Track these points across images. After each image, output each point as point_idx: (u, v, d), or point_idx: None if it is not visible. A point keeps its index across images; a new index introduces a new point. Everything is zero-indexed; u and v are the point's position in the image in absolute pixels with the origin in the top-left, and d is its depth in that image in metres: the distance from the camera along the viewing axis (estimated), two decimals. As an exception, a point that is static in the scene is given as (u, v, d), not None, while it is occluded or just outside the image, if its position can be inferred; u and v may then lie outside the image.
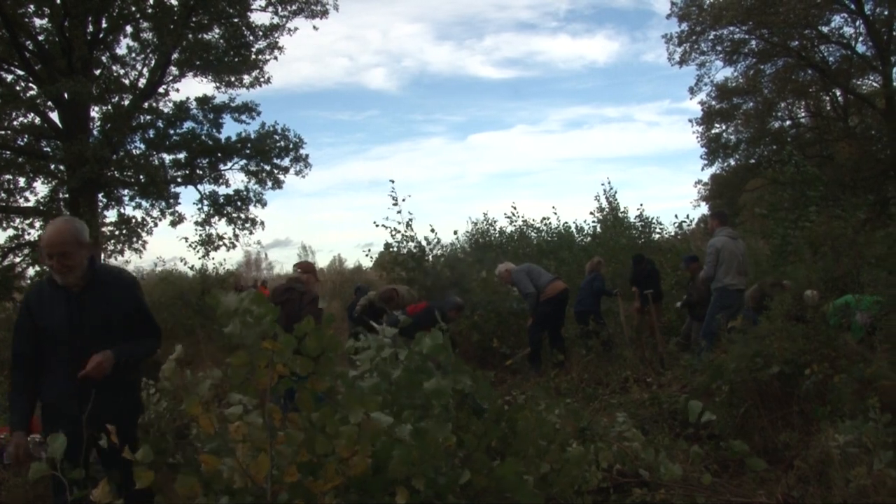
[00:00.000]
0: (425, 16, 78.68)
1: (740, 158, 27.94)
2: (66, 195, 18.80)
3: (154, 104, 20.25)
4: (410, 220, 12.49)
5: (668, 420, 5.89)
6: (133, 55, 20.09)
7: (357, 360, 2.79)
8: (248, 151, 20.65)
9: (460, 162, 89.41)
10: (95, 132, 18.73)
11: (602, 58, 75.28)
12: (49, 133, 18.64)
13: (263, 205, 21.28)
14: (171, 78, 20.34)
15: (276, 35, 20.66)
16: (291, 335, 2.18)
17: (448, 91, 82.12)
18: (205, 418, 2.21)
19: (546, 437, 2.80)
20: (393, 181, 12.22)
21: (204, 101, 20.41)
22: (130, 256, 20.60)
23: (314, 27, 21.64)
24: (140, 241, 20.31)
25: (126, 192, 20.17)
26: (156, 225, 20.40)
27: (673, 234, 16.97)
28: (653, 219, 17.02)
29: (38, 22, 18.18)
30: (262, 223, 21.40)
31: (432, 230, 13.58)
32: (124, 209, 20.31)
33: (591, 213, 17.46)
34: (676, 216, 25.02)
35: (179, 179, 20.60)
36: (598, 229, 16.97)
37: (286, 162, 21.25)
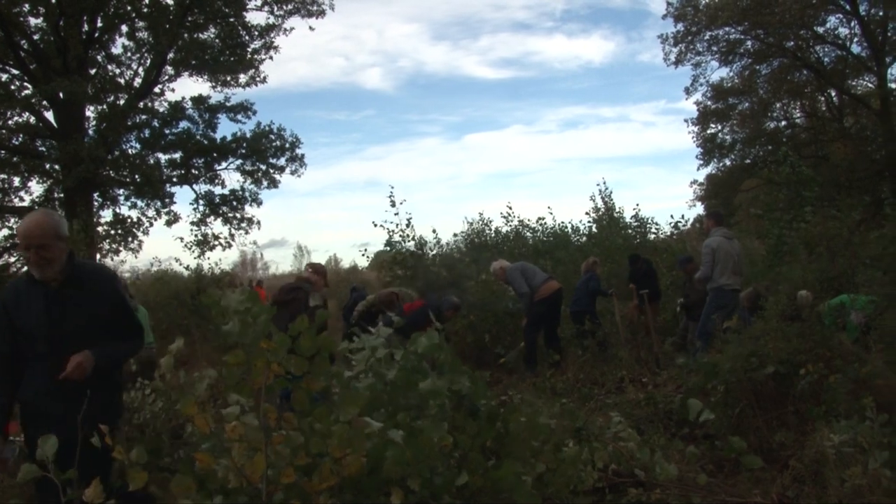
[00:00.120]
0: (421, 16, 78.75)
1: (736, 159, 27.98)
2: (62, 195, 18.77)
3: (149, 104, 20.28)
4: (410, 218, 12.59)
5: (663, 420, 5.89)
6: (128, 55, 20.12)
7: (353, 361, 2.78)
8: (243, 151, 20.64)
9: (456, 162, 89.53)
10: (91, 132, 18.73)
11: (598, 58, 75.39)
12: (44, 132, 18.61)
13: (259, 204, 21.28)
14: (166, 77, 20.38)
15: (271, 35, 20.66)
16: (286, 335, 2.17)
17: (444, 91, 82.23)
18: (200, 418, 2.20)
19: (540, 437, 2.80)
20: (392, 187, 12.42)
21: (199, 100, 20.40)
22: (126, 256, 20.58)
23: (310, 27, 21.61)
24: (136, 241, 20.29)
25: (121, 191, 20.17)
26: (151, 225, 20.42)
27: (669, 234, 16.98)
28: (648, 219, 17.05)
29: (33, 21, 18.20)
30: (258, 222, 21.45)
31: (434, 231, 13.68)
32: (120, 209, 20.31)
33: (587, 214, 17.47)
34: (673, 216, 25.00)
35: (175, 179, 20.58)
36: (594, 229, 16.98)
37: (282, 161, 21.26)
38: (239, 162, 21.02)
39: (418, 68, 79.37)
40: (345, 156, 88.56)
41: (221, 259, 22.95)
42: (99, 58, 19.80)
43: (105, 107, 19.28)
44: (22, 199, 19.19)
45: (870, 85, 25.82)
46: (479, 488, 2.44)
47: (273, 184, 21.34)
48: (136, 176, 19.40)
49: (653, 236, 16.88)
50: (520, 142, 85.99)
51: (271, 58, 21.16)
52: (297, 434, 2.17)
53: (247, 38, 20.54)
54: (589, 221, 17.38)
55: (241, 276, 29.84)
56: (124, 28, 19.55)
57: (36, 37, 18.32)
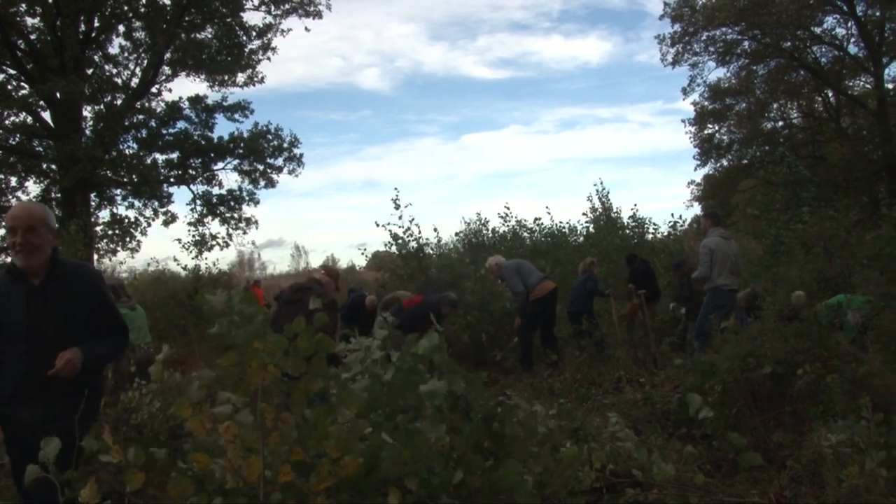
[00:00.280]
0: (419, 16, 78.54)
1: (733, 159, 28.02)
2: (59, 195, 18.75)
3: (146, 104, 20.25)
4: (413, 219, 12.65)
5: (660, 420, 5.90)
6: (125, 54, 20.11)
7: (349, 362, 2.78)
8: (240, 151, 20.63)
9: (453, 162, 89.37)
10: (88, 132, 18.72)
11: (595, 58, 75.27)
12: (41, 132, 18.59)
13: (256, 203, 21.28)
14: (163, 77, 20.37)
15: (269, 35, 20.65)
16: (282, 336, 2.17)
17: (441, 91, 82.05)
18: (195, 420, 2.20)
19: (538, 438, 2.80)
20: (398, 189, 12.47)
21: (196, 100, 20.39)
22: (124, 256, 20.57)
23: (306, 28, 21.63)
24: (134, 241, 20.27)
25: (119, 191, 20.14)
26: (149, 225, 20.40)
27: (666, 234, 17.01)
28: (646, 219, 17.07)
29: (29, 21, 18.18)
30: (256, 222, 21.44)
31: (435, 230, 13.73)
32: (117, 209, 20.29)
33: (584, 214, 17.47)
34: (672, 215, 25.01)
35: (172, 179, 20.57)
36: (591, 229, 16.99)
37: (279, 161, 21.25)
38: (236, 162, 21.03)
39: (416, 68, 79.25)
40: (342, 156, 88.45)
41: (219, 259, 23.04)
42: (96, 58, 19.79)
43: (102, 107, 19.28)
44: (19, 199, 19.15)
45: (867, 85, 25.90)
46: (477, 488, 2.44)
47: (270, 184, 21.36)
48: (134, 176, 19.39)
49: (650, 236, 16.92)
50: (517, 142, 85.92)
51: (269, 59, 21.18)
52: (292, 429, 2.17)
53: (244, 38, 20.55)
54: (586, 222, 17.41)
55: (239, 276, 29.82)
56: (121, 28, 19.56)
57: (33, 37, 18.29)
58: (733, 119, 27.86)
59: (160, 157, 20.59)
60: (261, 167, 21.19)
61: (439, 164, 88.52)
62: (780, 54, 25.31)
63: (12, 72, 18.11)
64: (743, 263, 10.06)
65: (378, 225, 12.73)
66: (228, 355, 2.19)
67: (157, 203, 20.33)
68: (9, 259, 3.17)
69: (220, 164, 21.03)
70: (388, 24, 78.43)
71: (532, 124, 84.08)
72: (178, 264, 19.24)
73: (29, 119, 18.78)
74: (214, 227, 21.13)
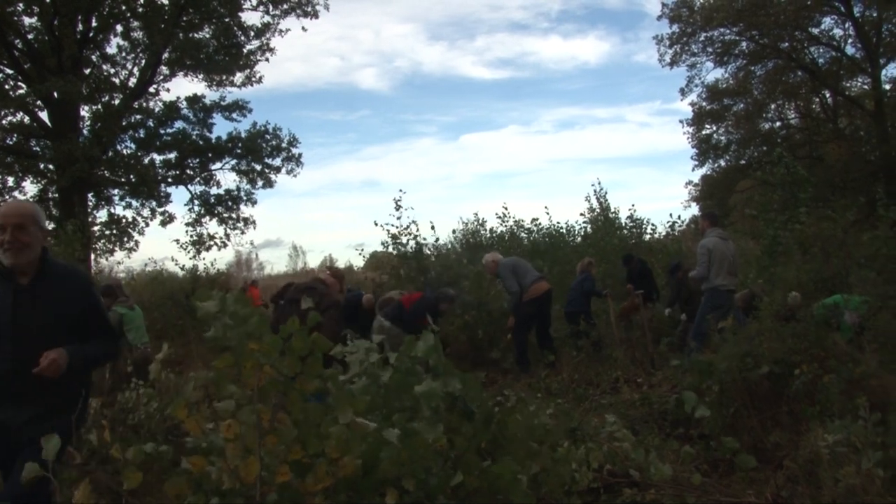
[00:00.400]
0: (417, 16, 78.72)
1: (731, 159, 28.05)
2: (56, 195, 18.73)
3: (144, 104, 20.22)
4: (412, 220, 12.66)
5: (658, 420, 5.91)
6: (123, 54, 20.08)
7: (350, 362, 2.78)
8: (239, 151, 20.62)
9: (452, 162, 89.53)
10: (85, 131, 18.70)
11: (593, 59, 75.55)
12: (38, 132, 18.57)
13: (253, 203, 21.27)
14: (161, 77, 20.33)
15: (267, 35, 20.64)
16: (277, 336, 2.17)
17: (440, 91, 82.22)
18: (191, 421, 2.20)
19: (535, 437, 2.80)
20: (402, 191, 12.49)
21: (194, 100, 20.37)
22: (121, 256, 20.56)
23: (303, 28, 21.65)
24: (132, 241, 20.26)
25: (116, 191, 20.12)
26: (147, 225, 20.38)
27: (664, 234, 17.03)
28: (644, 220, 17.09)
29: (27, 20, 18.15)
30: (254, 222, 21.43)
31: (432, 228, 13.72)
32: (114, 209, 20.27)
33: (582, 214, 17.48)
34: (670, 215, 25.08)
35: (170, 179, 20.55)
36: (589, 230, 16.99)
37: (277, 161, 21.24)
38: (234, 162, 21.02)
39: (414, 68, 79.45)
40: (340, 156, 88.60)
41: (217, 259, 23.02)
42: (94, 57, 19.77)
43: (100, 106, 19.25)
44: (16, 199, 19.11)
45: (864, 86, 25.93)
46: (475, 489, 2.45)
47: (268, 184, 21.35)
48: (131, 176, 19.37)
49: (648, 237, 16.93)
50: (515, 142, 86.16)
51: (267, 60, 21.18)
52: (290, 429, 2.16)
53: (242, 38, 20.54)
54: (584, 222, 17.42)
55: (237, 276, 29.82)
56: (119, 28, 19.54)
57: (30, 36, 18.27)
58: (731, 119, 27.89)
59: (158, 158, 20.59)
60: (259, 167, 21.18)
61: (437, 164, 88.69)
62: (778, 55, 25.33)
63: (9, 71, 18.09)
64: (741, 264, 10.07)
65: (377, 224, 12.74)
66: (224, 357, 2.19)
67: (154, 203, 20.32)
68: None
69: (218, 164, 21.03)
70: (387, 24, 78.57)
71: (530, 124, 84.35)
72: (176, 264, 19.25)
73: (26, 119, 18.76)
74: (212, 227, 21.15)
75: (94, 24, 18.85)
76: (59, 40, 17.31)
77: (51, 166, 18.59)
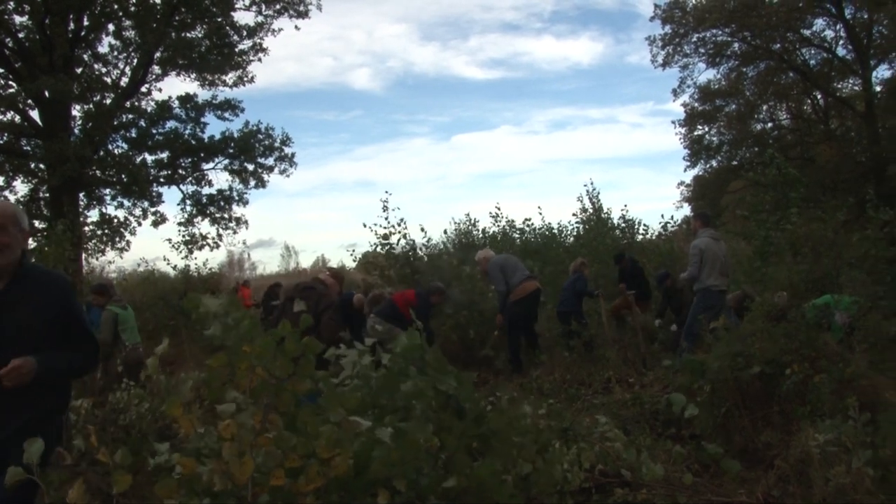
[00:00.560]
0: (410, 16, 78.58)
1: (722, 160, 28.18)
2: (47, 194, 18.64)
3: (136, 103, 20.14)
4: (403, 219, 12.60)
5: (649, 420, 5.92)
6: (115, 53, 20.00)
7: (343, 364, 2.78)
8: (231, 150, 20.55)
9: (445, 162, 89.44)
10: (77, 131, 18.59)
11: (586, 59, 75.52)
12: (29, 131, 18.47)
13: (245, 203, 21.21)
14: (153, 77, 20.25)
15: (259, 35, 20.59)
16: (270, 338, 2.17)
17: (432, 91, 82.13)
18: (185, 419, 2.19)
19: (525, 437, 2.80)
20: (389, 192, 12.37)
21: (186, 99, 20.29)
22: (113, 256, 20.48)
23: (296, 27, 21.59)
24: (123, 241, 20.17)
25: (108, 191, 20.03)
26: (139, 224, 20.30)
27: (657, 234, 17.05)
28: (636, 220, 17.11)
29: (18, 19, 18.05)
30: (246, 222, 21.37)
31: (422, 229, 13.64)
32: (106, 209, 20.18)
33: (575, 215, 17.47)
34: (662, 216, 25.16)
35: (162, 179, 20.47)
36: (582, 230, 17.00)
37: (270, 161, 21.18)
38: (227, 161, 20.96)
39: (407, 69, 79.27)
40: (333, 156, 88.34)
41: (209, 259, 22.94)
42: (85, 56, 19.68)
43: (91, 106, 19.17)
44: (7, 199, 19.01)
45: (855, 87, 26.07)
46: (464, 489, 2.45)
47: (261, 183, 21.28)
48: (123, 176, 19.29)
49: (640, 237, 16.95)
50: (508, 142, 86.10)
51: (260, 59, 21.12)
52: (289, 435, 2.16)
53: (235, 37, 20.48)
54: (577, 222, 17.42)
55: (229, 276, 29.73)
56: (111, 27, 19.43)
57: (21, 35, 18.17)
58: (723, 120, 28.01)
59: (149, 157, 20.51)
60: (251, 167, 21.13)
61: (430, 165, 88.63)
62: (770, 56, 25.46)
63: (0, 70, 18.00)
64: (732, 264, 10.10)
65: (365, 226, 12.64)
66: (218, 356, 2.19)
67: (146, 203, 20.25)
68: None
69: (211, 164, 20.97)
70: (380, 24, 78.47)
71: (523, 125, 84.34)
72: (169, 264, 19.18)
73: (17, 118, 18.65)
74: (204, 227, 21.07)
75: (85, 22, 18.76)
76: (50, 39, 17.23)
77: (42, 166, 18.49)
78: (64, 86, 16.56)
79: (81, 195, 19.29)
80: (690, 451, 4.77)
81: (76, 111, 19.26)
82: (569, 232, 17.43)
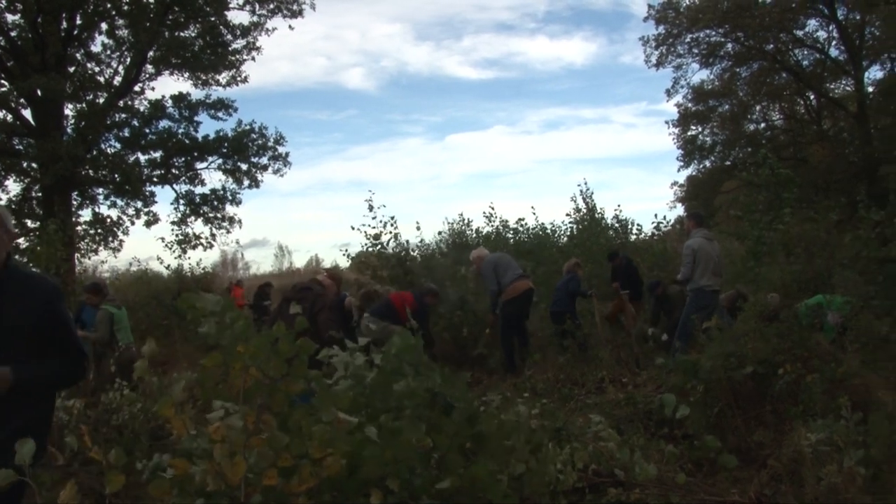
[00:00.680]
0: (404, 16, 78.63)
1: (716, 160, 28.24)
2: (39, 193, 18.57)
3: (129, 102, 20.06)
4: (394, 217, 12.48)
5: (643, 420, 5.93)
6: (108, 52, 19.92)
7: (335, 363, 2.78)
8: (225, 150, 20.51)
9: (438, 162, 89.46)
10: (69, 130, 18.52)
11: (580, 59, 75.66)
12: (21, 130, 18.39)
13: (238, 203, 21.17)
14: (146, 76, 20.18)
15: (253, 34, 20.55)
16: (264, 338, 2.16)
17: (426, 91, 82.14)
18: (178, 420, 2.19)
19: (517, 436, 2.81)
20: (372, 192, 12.21)
21: (180, 98, 20.23)
22: (106, 256, 20.41)
23: (290, 27, 21.55)
24: (116, 241, 20.10)
25: (101, 190, 19.96)
26: (132, 224, 20.23)
27: (650, 234, 17.08)
28: (629, 220, 17.14)
29: (10, 17, 17.94)
30: (240, 221, 21.32)
31: (417, 228, 13.59)
32: (99, 208, 20.11)
33: (568, 215, 17.48)
34: (655, 216, 25.20)
35: (155, 179, 20.41)
36: (575, 230, 17.01)
37: (264, 160, 21.14)
38: (220, 161, 20.91)
39: (401, 68, 79.27)
40: (327, 156, 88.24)
41: (202, 259, 22.88)
42: (78, 55, 19.60)
43: (84, 105, 19.10)
44: (-2, 198, 18.95)
45: (847, 88, 26.17)
46: (457, 489, 2.45)
47: (255, 183, 21.24)
48: (116, 175, 19.23)
49: (634, 237, 16.97)
50: (502, 142, 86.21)
51: (253, 58, 21.08)
52: (282, 435, 2.16)
53: (229, 37, 20.44)
54: (570, 222, 17.43)
55: (222, 276, 29.68)
56: (104, 26, 19.36)
57: (13, 33, 18.10)
58: (716, 121, 28.09)
59: (142, 157, 20.45)
60: (245, 166, 21.08)
61: (424, 164, 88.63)
62: (763, 57, 25.54)
63: (-8, 69, 17.93)
64: (725, 264, 10.13)
65: (353, 228, 12.50)
66: (212, 355, 2.18)
67: (139, 203, 20.19)
68: None
69: (204, 163, 20.92)
70: (374, 23, 78.45)
71: (517, 125, 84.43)
72: (162, 263, 19.13)
73: (9, 117, 18.57)
74: (198, 226, 21.02)
75: (78, 21, 18.69)
76: (42, 38, 17.16)
77: (34, 165, 18.42)
78: (56, 85, 16.50)
79: (74, 195, 19.22)
80: (684, 451, 4.78)
81: (69, 110, 19.21)
82: (562, 232, 17.45)
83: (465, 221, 17.96)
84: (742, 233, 12.07)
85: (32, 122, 18.09)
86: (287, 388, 2.23)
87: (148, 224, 20.31)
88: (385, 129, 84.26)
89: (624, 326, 10.46)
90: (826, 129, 27.05)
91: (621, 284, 10.94)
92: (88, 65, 19.93)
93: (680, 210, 29.80)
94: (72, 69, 19.18)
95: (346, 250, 16.26)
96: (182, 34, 19.79)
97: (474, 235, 17.34)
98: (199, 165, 20.89)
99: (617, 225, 17.01)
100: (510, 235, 16.99)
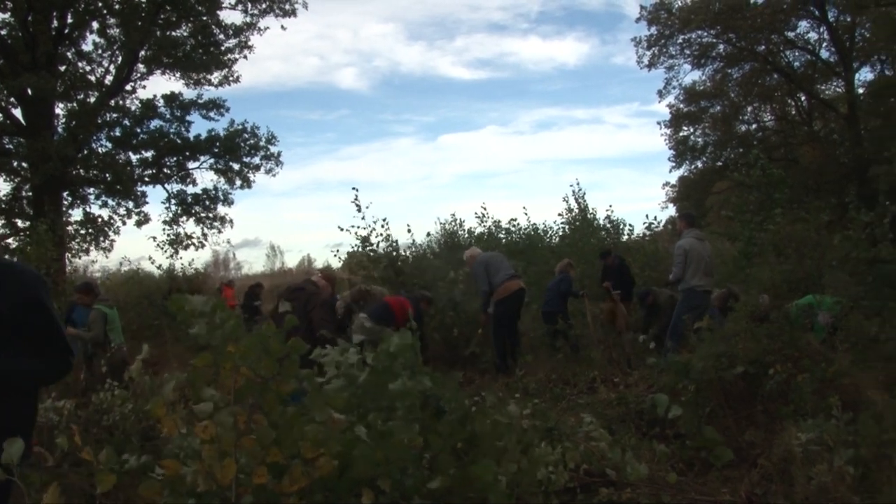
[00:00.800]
0: (397, 16, 78.38)
1: (707, 161, 28.36)
2: (30, 193, 18.49)
3: (121, 102, 20.00)
4: (382, 218, 12.40)
5: (634, 420, 5.94)
6: (99, 51, 19.86)
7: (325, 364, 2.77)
8: (217, 150, 20.46)
9: (430, 162, 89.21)
10: (60, 129, 18.45)
11: (572, 60, 75.59)
12: (11, 129, 18.30)
13: (230, 204, 21.13)
14: (138, 75, 20.12)
15: (246, 34, 20.51)
16: (255, 337, 2.16)
17: (419, 91, 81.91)
18: (168, 420, 2.18)
19: (508, 438, 2.81)
20: (356, 189, 11.83)
21: (171, 98, 20.18)
22: (97, 256, 20.34)
23: (282, 27, 21.52)
24: (107, 241, 20.04)
25: (92, 190, 19.88)
26: (124, 224, 20.17)
27: (642, 234, 17.12)
28: (621, 220, 17.16)
29: (0, 16, 17.84)
30: (231, 221, 21.29)
31: (409, 230, 13.51)
32: (90, 208, 20.04)
33: (560, 215, 17.49)
34: (647, 216, 25.29)
35: (147, 178, 20.35)
36: (567, 230, 17.03)
37: (256, 160, 21.11)
38: (212, 161, 20.87)
39: (393, 68, 79.00)
40: (319, 156, 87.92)
41: (194, 259, 22.79)
42: (69, 54, 19.52)
43: (75, 104, 19.03)
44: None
45: (838, 89, 26.31)
46: (449, 489, 2.45)
47: (247, 183, 21.21)
48: (107, 175, 19.16)
49: (626, 237, 17.01)
50: (494, 143, 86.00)
51: (245, 57, 21.04)
52: (269, 430, 2.15)
53: (221, 36, 20.40)
54: (562, 223, 17.45)
55: (214, 276, 29.57)
56: (95, 24, 19.30)
57: (3, 32, 18.00)
58: (708, 121, 28.20)
59: (134, 157, 20.39)
60: (237, 166, 21.05)
61: (416, 165, 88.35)
62: (755, 58, 25.65)
63: (-18, 67, 17.84)
64: (717, 265, 10.16)
65: (342, 229, 12.42)
66: (203, 355, 2.18)
67: (131, 203, 20.13)
68: None
69: (196, 163, 20.88)
70: (366, 23, 78.23)
71: (509, 125, 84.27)
72: (153, 263, 19.07)
73: (-1, 116, 18.50)
74: (189, 226, 20.99)
75: (69, 20, 18.61)
76: (33, 36, 17.09)
77: (24, 164, 18.33)
78: (47, 84, 16.44)
79: (65, 194, 19.15)
80: (675, 451, 4.80)
81: (60, 109, 19.15)
82: (554, 232, 17.46)
83: (458, 222, 17.96)
84: (733, 233, 12.12)
85: (23, 122, 18.00)
86: (278, 388, 2.23)
87: (139, 224, 20.28)
88: (377, 129, 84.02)
89: (616, 326, 10.48)
90: (817, 131, 27.21)
91: (613, 284, 10.95)
92: (79, 64, 19.88)
93: (671, 210, 29.93)
94: (63, 68, 19.10)
95: (337, 251, 16.19)
96: (174, 34, 19.74)
97: (466, 236, 17.33)
98: (190, 165, 20.87)
99: (609, 225, 17.04)
100: (502, 236, 16.98)
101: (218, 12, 19.97)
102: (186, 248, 20.55)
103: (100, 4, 18.49)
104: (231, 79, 21.21)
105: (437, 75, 77.82)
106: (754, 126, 28.97)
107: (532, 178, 78.72)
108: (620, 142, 75.34)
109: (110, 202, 20.01)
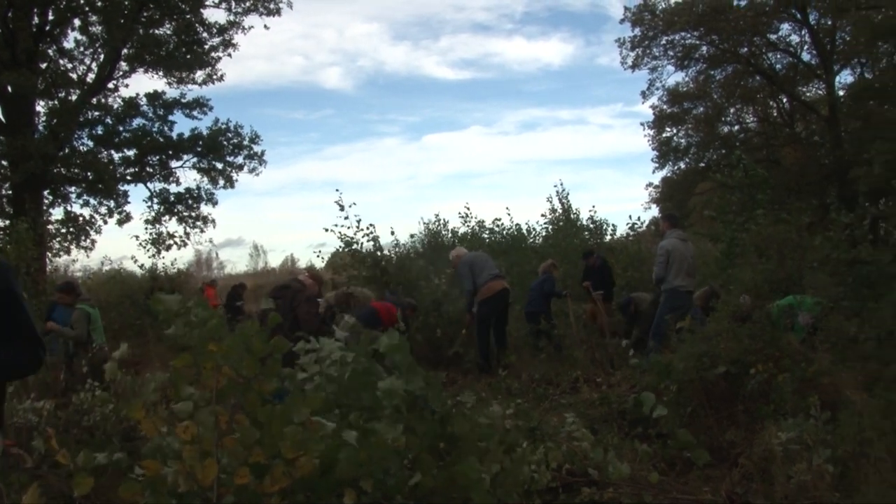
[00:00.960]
0: (382, 15, 78.23)
1: (690, 162, 28.51)
2: (10, 191, 18.29)
3: (103, 100, 19.83)
4: (361, 219, 12.34)
5: (617, 420, 5.96)
6: (81, 49, 19.66)
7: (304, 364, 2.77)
8: (199, 149, 20.34)
9: (415, 162, 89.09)
10: (41, 127, 18.26)
11: (557, 60, 75.79)
12: (-9, 127, 18.09)
13: (214, 203, 21.01)
14: (120, 73, 19.95)
15: (230, 33, 20.40)
16: (237, 337, 2.15)
17: (403, 91, 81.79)
18: (148, 422, 2.17)
19: (490, 438, 2.81)
20: (339, 190, 11.95)
21: (154, 97, 20.03)
22: (78, 255, 20.14)
23: (265, 26, 21.43)
24: (88, 240, 19.85)
25: (73, 189, 19.70)
26: (105, 223, 20.00)
27: (626, 235, 17.18)
28: (603, 221, 17.22)
29: (-21, 13, 17.62)
30: (214, 221, 21.17)
31: (392, 232, 13.45)
32: (71, 207, 19.85)
33: (543, 215, 17.52)
34: (630, 217, 25.38)
35: (129, 177, 20.19)
36: (550, 231, 17.07)
37: (239, 159, 21.00)
38: (195, 160, 20.74)
39: (378, 68, 78.85)
40: (303, 155, 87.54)
41: (177, 258, 22.61)
42: (50, 52, 19.33)
43: (56, 102, 18.84)
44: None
45: (819, 91, 26.56)
46: (431, 489, 2.45)
47: (230, 182, 21.10)
48: (89, 173, 19.00)
49: (609, 238, 17.07)
50: (478, 143, 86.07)
51: (230, 55, 20.92)
52: (252, 430, 2.14)
53: (205, 35, 20.28)
54: (546, 223, 17.48)
55: (197, 275, 29.38)
56: (77, 22, 19.12)
57: (-17, 29, 17.81)
58: (691, 123, 28.34)
59: (116, 155, 20.23)
60: (220, 165, 20.93)
61: (400, 165, 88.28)
62: (737, 60, 25.82)
63: (-39, 64, 17.63)
64: (699, 265, 10.23)
65: (326, 230, 12.31)
66: (183, 356, 2.16)
67: (113, 202, 19.96)
68: None
69: (179, 162, 20.74)
70: (351, 23, 78.06)
71: (493, 125, 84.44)
72: (136, 262, 18.92)
73: (-22, 113, 18.28)
74: (172, 225, 20.85)
75: (50, 17, 18.44)
76: (13, 33, 16.91)
77: (4, 162, 18.13)
78: (27, 81, 16.27)
79: (46, 193, 18.96)
80: (657, 450, 4.82)
81: (40, 107, 18.94)
82: (537, 233, 17.50)
83: (441, 222, 17.96)
84: (716, 234, 12.21)
85: (3, 119, 17.81)
86: (260, 388, 2.22)
87: (120, 223, 20.12)
88: (362, 129, 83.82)
89: (599, 327, 10.51)
90: (798, 132, 27.44)
91: (594, 284, 10.98)
92: (61, 61, 19.67)
93: (655, 211, 30.03)
94: (44, 65, 18.90)
95: (320, 251, 16.12)
96: (157, 32, 19.60)
97: (450, 236, 17.33)
98: (173, 164, 20.72)
99: (592, 226, 17.10)
100: (486, 236, 17.00)
101: (202, 10, 19.87)
102: (169, 247, 20.42)
103: (82, 1, 18.33)
104: (215, 77, 21.10)
105: (421, 75, 77.82)
106: (737, 127, 29.16)
107: (516, 178, 78.96)
108: (604, 142, 75.72)
109: (92, 201, 19.84)
